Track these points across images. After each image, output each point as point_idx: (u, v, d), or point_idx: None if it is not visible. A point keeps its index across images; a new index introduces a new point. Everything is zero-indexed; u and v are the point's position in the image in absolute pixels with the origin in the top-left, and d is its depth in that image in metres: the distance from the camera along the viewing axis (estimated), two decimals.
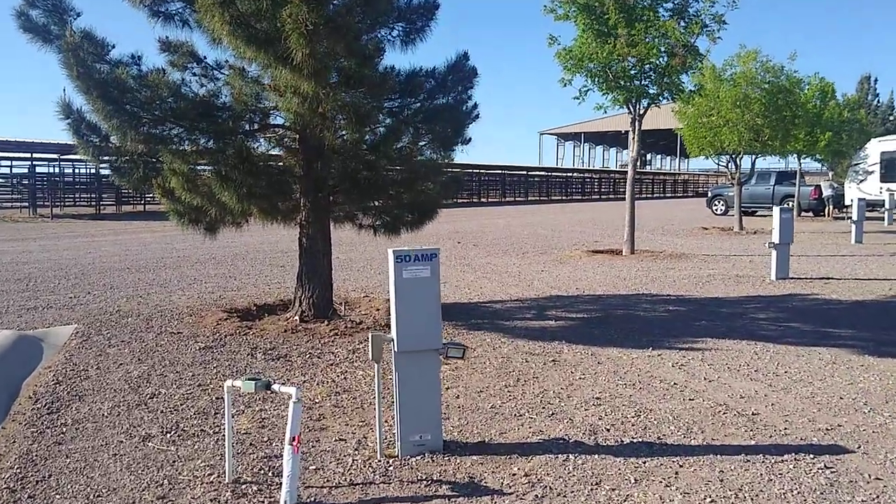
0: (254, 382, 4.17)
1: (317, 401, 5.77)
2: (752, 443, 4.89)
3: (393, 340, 4.56)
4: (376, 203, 8.88)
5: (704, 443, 4.88)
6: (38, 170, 34.06)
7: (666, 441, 4.90)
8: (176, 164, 8.12)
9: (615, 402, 5.72)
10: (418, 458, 4.59)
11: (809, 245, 19.10)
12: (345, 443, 4.90)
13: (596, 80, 15.74)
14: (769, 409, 5.62)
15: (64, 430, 5.17)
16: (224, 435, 4.70)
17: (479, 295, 11.09)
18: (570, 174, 70.30)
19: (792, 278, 12.83)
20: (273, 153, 8.94)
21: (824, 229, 25.22)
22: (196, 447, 4.82)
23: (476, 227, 26.26)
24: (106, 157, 8.90)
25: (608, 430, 5.09)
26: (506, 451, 4.71)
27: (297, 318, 8.59)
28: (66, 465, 4.54)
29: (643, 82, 15.95)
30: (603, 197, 65.71)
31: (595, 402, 5.75)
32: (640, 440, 4.91)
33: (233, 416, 5.11)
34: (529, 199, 56.95)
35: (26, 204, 34.46)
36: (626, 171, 17.87)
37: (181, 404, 5.69)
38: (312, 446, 4.85)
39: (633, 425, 5.20)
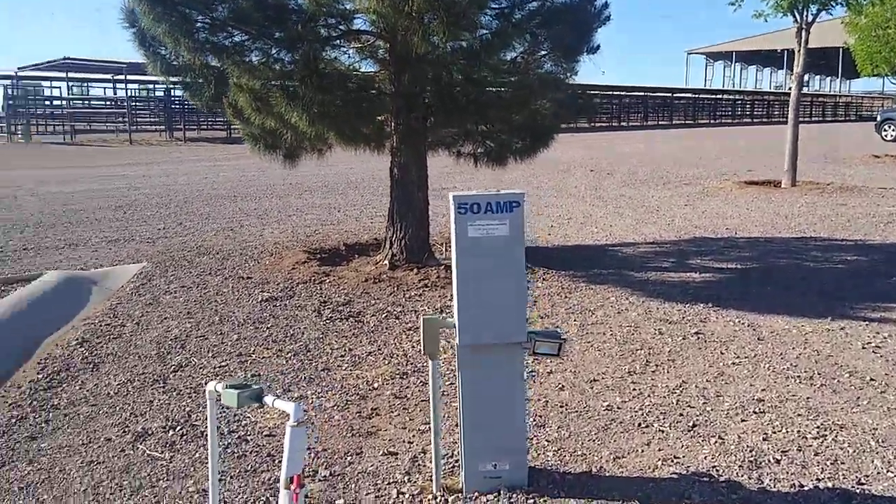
0: (236, 392, 2.79)
1: (375, 385, 4.41)
2: None
3: (455, 328, 3.08)
4: (480, 126, 7.30)
5: None
6: (173, 93, 34.35)
7: (870, 490, 3.21)
8: (243, 78, 6.82)
9: (785, 410, 4.04)
10: (490, 496, 3.15)
11: None
12: (395, 460, 3.51)
13: None
14: None
15: (50, 415, 4.06)
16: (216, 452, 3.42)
17: (607, 235, 9.39)
18: (719, 96, 65.36)
19: None
20: (358, 69, 7.50)
21: None
22: (197, 456, 3.57)
23: (613, 154, 24.10)
24: (176, 74, 7.78)
25: (777, 463, 3.44)
26: (622, 495, 3.18)
27: (386, 262, 7.26)
28: (21, 478, 3.40)
29: None
30: (755, 121, 60.70)
31: (756, 406, 4.08)
32: (831, 484, 3.25)
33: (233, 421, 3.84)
34: (674, 122, 53.27)
35: (163, 127, 35.07)
36: (781, 94, 15.43)
37: (205, 384, 4.48)
38: (349, 463, 3.49)
39: (816, 454, 3.53)
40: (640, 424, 3.85)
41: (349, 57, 7.59)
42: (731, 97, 66.22)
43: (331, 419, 3.95)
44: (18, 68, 34.09)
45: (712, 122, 57.25)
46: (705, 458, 3.48)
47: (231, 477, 3.34)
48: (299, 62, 6.41)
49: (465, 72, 6.81)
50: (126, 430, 3.87)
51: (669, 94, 58.08)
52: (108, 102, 40.55)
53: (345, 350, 5.03)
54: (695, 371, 4.60)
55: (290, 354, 4.92)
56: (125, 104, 34.41)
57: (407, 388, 4.38)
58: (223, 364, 4.76)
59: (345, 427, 3.85)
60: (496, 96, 6.96)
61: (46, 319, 5.77)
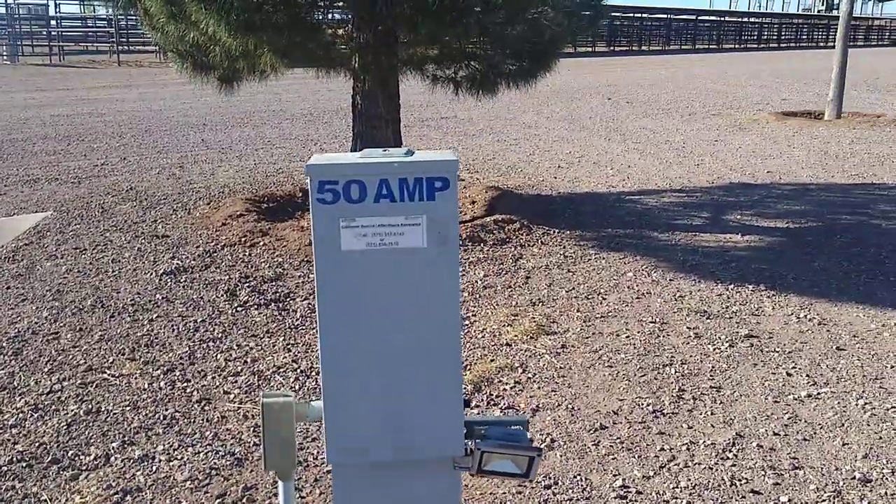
0: None
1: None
2: None
3: (321, 425, 1.54)
4: (462, 42, 5.61)
5: None
6: None
7: None
8: None
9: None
10: None
11: None
12: None
13: None
14: None
15: None
16: None
17: (624, 179, 7.75)
18: (744, 19, 62.18)
19: None
20: None
21: None
22: None
23: (632, 80, 22.10)
24: None
25: None
26: None
27: None
28: None
29: None
30: (782, 46, 57.74)
31: (860, 492, 2.55)
32: None
33: None
34: (697, 47, 50.58)
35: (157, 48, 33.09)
36: (810, 16, 13.44)
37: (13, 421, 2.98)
38: None
39: None
40: None
41: None
42: (757, 20, 63.06)
43: None
44: None
45: (737, 46, 54.53)
46: None
47: None
48: None
49: None
50: None
51: (693, 17, 55.15)
52: (97, 21, 38.44)
53: (246, 361, 3.51)
54: (753, 411, 3.06)
55: (161, 370, 3.42)
56: (113, 22, 32.41)
57: (313, 438, 2.87)
58: (55, 385, 3.26)
59: None
60: (483, 0, 5.25)
61: None
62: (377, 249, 1.44)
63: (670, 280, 4.64)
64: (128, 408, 3.07)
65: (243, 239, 5.40)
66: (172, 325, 3.92)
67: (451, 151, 1.52)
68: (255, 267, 4.84)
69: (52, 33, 33.73)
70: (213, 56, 5.71)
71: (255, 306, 4.19)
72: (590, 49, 38.44)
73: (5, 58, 31.87)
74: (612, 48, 41.28)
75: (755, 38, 59.96)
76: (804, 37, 59.92)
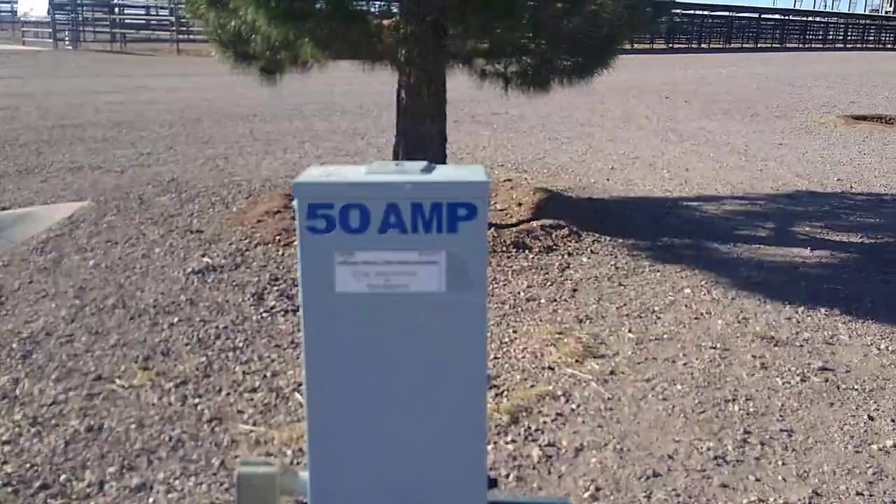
0: None
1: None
2: None
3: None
4: (515, 35, 5.26)
5: None
6: None
7: None
8: None
9: None
10: None
11: None
12: None
13: None
14: None
15: None
16: None
17: (681, 184, 7.32)
18: (809, 18, 60.31)
19: None
20: None
21: None
22: None
23: (691, 78, 21.42)
24: None
25: None
26: None
27: None
28: None
29: None
30: (848, 46, 55.88)
31: None
32: None
33: None
34: (760, 46, 49.21)
35: None
36: (877, 17, 12.69)
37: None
38: None
39: None
40: None
41: None
42: (822, 20, 61.14)
43: None
44: None
45: (801, 45, 52.94)
46: None
47: None
48: None
49: None
50: None
51: (756, 15, 53.68)
52: (159, 10, 38.88)
53: (265, 375, 3.25)
54: (832, 462, 2.68)
55: (174, 382, 3.17)
56: (173, 10, 32.69)
57: None
58: (59, 396, 3.02)
59: None
60: None
61: None
62: (382, 294, 1.13)
63: (732, 299, 4.25)
64: (132, 425, 2.83)
65: (277, 238, 5.15)
66: (193, 331, 3.67)
67: (482, 169, 1.19)
68: (286, 268, 4.58)
69: (115, 20, 34.21)
70: (254, 46, 5.48)
71: (283, 312, 3.93)
72: (648, 46, 37.61)
73: (67, 43, 32.42)
74: (670, 45, 40.37)
75: (820, 37, 58.21)
76: (871, 38, 57.93)
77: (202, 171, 7.52)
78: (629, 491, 2.49)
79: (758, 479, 2.57)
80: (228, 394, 3.08)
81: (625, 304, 4.15)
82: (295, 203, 1.13)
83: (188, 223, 5.59)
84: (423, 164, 1.21)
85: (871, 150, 9.43)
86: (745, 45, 49.51)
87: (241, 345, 3.54)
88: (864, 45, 56.55)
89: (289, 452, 2.67)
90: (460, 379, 1.17)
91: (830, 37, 59.84)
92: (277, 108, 12.67)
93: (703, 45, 46.68)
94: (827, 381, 3.29)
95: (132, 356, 3.40)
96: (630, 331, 3.81)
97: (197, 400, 3.02)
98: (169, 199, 6.35)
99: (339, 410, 1.18)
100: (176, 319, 3.81)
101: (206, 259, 4.73)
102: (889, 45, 58.03)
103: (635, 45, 34.69)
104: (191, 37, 34.11)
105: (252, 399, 3.04)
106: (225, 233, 5.32)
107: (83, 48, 30.94)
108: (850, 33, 61.25)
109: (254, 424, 2.86)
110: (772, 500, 2.46)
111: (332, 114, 12.27)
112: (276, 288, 4.25)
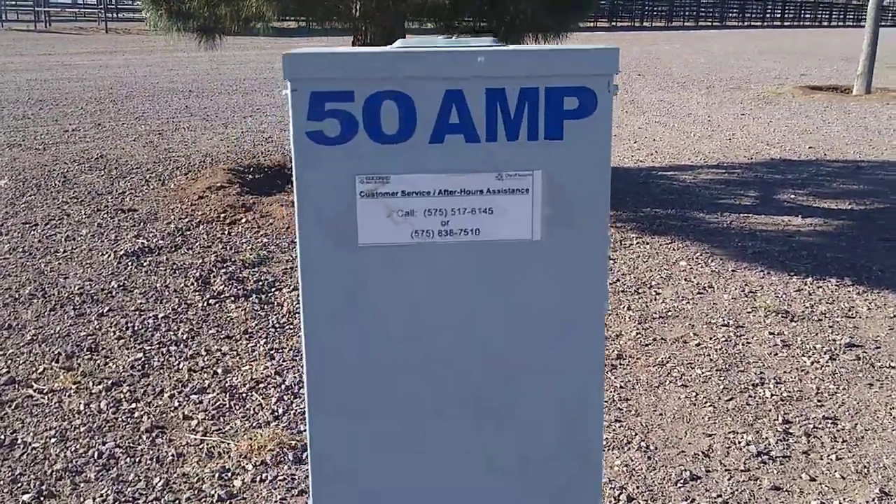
0: None
1: (235, 481, 2.14)
2: None
3: None
4: None
5: None
6: None
7: None
8: None
9: None
10: None
11: None
12: None
13: None
14: None
15: None
16: None
17: (653, 153, 6.96)
18: None
19: None
20: None
21: None
22: None
23: (638, 54, 21.20)
24: None
25: None
26: None
27: None
28: None
29: None
30: (786, 24, 56.76)
31: None
32: None
33: None
34: (700, 24, 49.58)
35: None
36: None
37: None
38: None
39: None
40: None
41: None
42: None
43: None
44: None
45: (741, 24, 53.62)
46: None
47: None
48: None
49: None
50: None
51: None
52: None
53: (216, 372, 2.73)
54: (890, 454, 2.30)
55: (104, 384, 2.63)
56: None
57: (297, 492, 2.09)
58: None
59: None
60: None
61: None
62: (436, 244, 0.65)
63: (733, 271, 3.87)
64: (53, 440, 2.29)
65: (223, 215, 4.60)
66: (127, 322, 3.12)
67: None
68: (234, 248, 4.05)
69: None
70: (185, 5, 4.90)
71: (233, 298, 3.40)
72: (591, 24, 37.47)
73: None
74: (613, 24, 40.31)
75: (759, 16, 59.22)
76: (807, 16, 59.08)
77: (134, 148, 6.89)
78: (666, 499, 2.06)
79: (812, 479, 2.17)
80: (172, 396, 2.56)
81: (618, 280, 3.74)
82: (285, 93, 0.64)
83: (119, 202, 4.99)
84: (490, 39, 0.73)
85: (835, 119, 9.22)
86: (686, 24, 49.92)
87: (185, 337, 3.01)
88: (802, 24, 57.63)
89: (249, 467, 2.18)
90: (575, 371, 0.70)
91: (769, 15, 60.92)
92: (215, 84, 11.98)
93: (644, 24, 46.86)
94: (858, 358, 2.92)
95: (52, 354, 2.84)
96: (630, 308, 3.39)
97: (133, 405, 2.50)
98: (97, 176, 5.73)
99: (350, 431, 0.70)
100: (106, 309, 3.25)
101: (140, 240, 4.16)
102: (825, 23, 59.25)
103: (580, 24, 34.52)
104: (119, 15, 32.76)
105: (201, 402, 2.53)
106: (162, 211, 4.74)
107: (6, 27, 29.45)
108: (787, 12, 62.38)
109: (205, 433, 2.35)
110: (836, 498, 2.06)
111: (275, 87, 11.65)
112: (223, 271, 3.72)
